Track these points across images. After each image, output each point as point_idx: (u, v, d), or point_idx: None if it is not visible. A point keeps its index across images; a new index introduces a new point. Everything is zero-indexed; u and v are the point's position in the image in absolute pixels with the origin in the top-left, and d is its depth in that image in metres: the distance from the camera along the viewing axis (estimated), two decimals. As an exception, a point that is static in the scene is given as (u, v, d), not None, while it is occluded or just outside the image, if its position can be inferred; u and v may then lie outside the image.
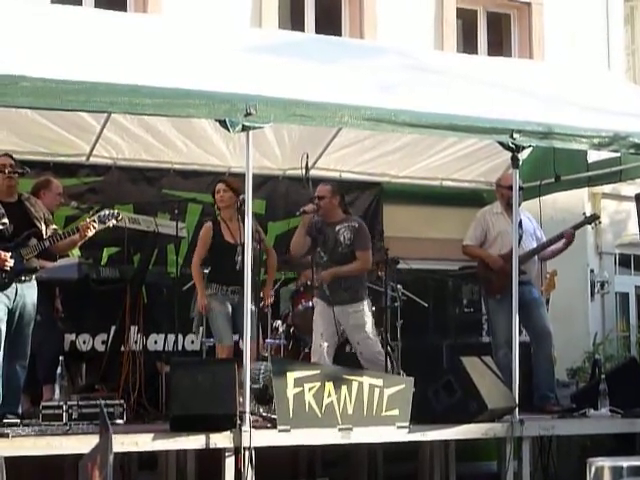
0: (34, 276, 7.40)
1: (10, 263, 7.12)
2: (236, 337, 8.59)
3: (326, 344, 8.48)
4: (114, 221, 7.50)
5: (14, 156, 7.59)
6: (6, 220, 7.22)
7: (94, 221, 7.35)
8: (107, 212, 7.47)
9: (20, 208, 7.38)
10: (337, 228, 8.63)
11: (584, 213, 9.35)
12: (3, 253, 7.11)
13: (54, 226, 7.50)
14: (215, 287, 8.53)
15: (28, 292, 7.33)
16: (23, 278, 7.28)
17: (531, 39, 12.86)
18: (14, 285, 7.21)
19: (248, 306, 7.13)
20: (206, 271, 9.02)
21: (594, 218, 9.26)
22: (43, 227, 7.38)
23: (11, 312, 7.22)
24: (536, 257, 9.16)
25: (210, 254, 8.62)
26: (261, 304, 8.61)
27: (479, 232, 9.13)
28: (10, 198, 7.35)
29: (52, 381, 7.64)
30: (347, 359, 8.79)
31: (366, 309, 8.59)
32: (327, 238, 8.62)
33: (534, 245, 9.09)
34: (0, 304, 7.14)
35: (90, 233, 7.35)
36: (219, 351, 8.55)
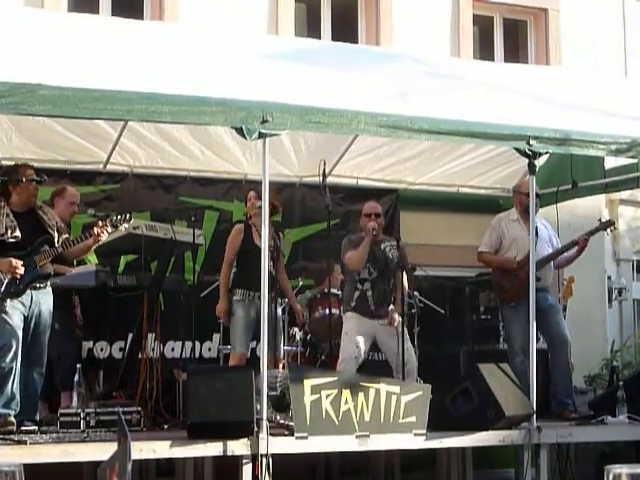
0: (49, 283, 7.43)
1: (21, 271, 7.16)
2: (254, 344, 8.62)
3: (362, 357, 8.52)
4: (126, 225, 7.52)
5: (32, 164, 7.63)
6: (18, 233, 7.24)
7: (106, 225, 7.36)
8: (119, 216, 7.49)
9: (33, 217, 7.42)
10: (382, 246, 8.71)
11: (599, 219, 9.32)
12: (14, 261, 7.15)
13: (66, 235, 7.51)
14: (242, 293, 8.49)
15: (43, 299, 7.37)
16: (37, 285, 7.31)
17: (548, 45, 12.84)
18: (29, 292, 7.25)
19: (265, 311, 7.12)
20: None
21: (609, 224, 9.21)
22: (56, 235, 7.41)
23: (27, 319, 7.26)
24: (552, 264, 9.14)
25: (238, 258, 8.57)
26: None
27: (494, 239, 9.12)
28: (24, 208, 7.38)
29: (70, 388, 7.66)
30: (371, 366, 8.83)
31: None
32: (376, 256, 8.65)
33: (549, 252, 9.07)
34: (16, 311, 7.19)
35: (103, 237, 7.36)
36: (231, 359, 8.55)
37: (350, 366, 8.44)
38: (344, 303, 8.84)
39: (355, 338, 8.51)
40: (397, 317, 8.52)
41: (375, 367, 8.86)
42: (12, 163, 7.80)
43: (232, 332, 8.56)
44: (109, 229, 7.37)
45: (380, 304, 8.60)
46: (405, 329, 8.55)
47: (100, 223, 7.39)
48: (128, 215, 7.51)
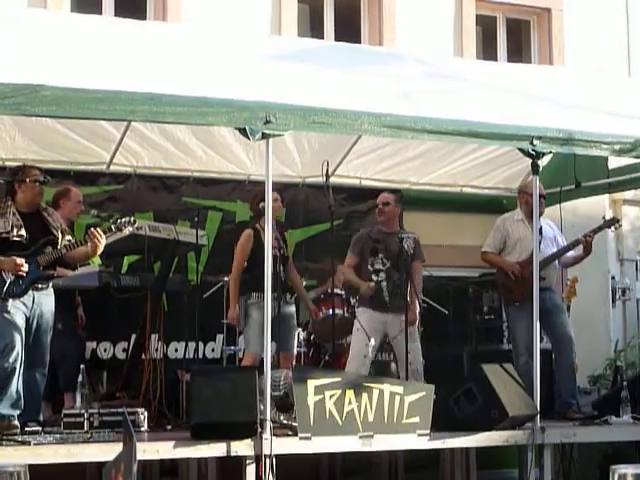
0: (51, 284, 7.43)
1: (25, 268, 7.15)
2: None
3: (371, 355, 8.53)
4: (130, 228, 7.51)
5: (35, 165, 7.64)
6: (23, 232, 7.25)
7: (102, 231, 7.32)
8: (123, 219, 7.49)
9: (38, 219, 7.42)
10: (398, 238, 8.73)
11: (603, 217, 9.31)
12: (19, 259, 7.15)
13: (69, 237, 7.51)
14: (256, 296, 8.41)
15: (45, 300, 7.36)
16: (39, 286, 7.31)
17: (551, 45, 12.83)
18: (31, 293, 7.25)
19: (268, 313, 7.12)
20: (225, 279, 9.02)
21: (613, 222, 9.21)
22: (60, 237, 7.41)
23: (29, 320, 7.25)
24: (557, 263, 9.12)
25: (251, 262, 8.52)
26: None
27: (498, 239, 9.11)
28: (29, 209, 7.39)
29: (73, 389, 7.66)
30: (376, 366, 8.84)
31: None
32: (389, 246, 8.70)
33: (554, 252, 9.05)
34: (18, 312, 7.18)
35: (98, 242, 7.27)
36: (245, 358, 8.53)
37: (358, 365, 8.44)
38: (359, 297, 8.90)
39: (365, 336, 8.53)
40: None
41: (381, 367, 8.86)
42: (20, 164, 7.80)
43: (247, 333, 8.51)
44: (102, 239, 7.28)
45: (394, 296, 8.65)
46: (416, 327, 8.60)
47: (96, 230, 7.35)
48: (132, 219, 7.51)
